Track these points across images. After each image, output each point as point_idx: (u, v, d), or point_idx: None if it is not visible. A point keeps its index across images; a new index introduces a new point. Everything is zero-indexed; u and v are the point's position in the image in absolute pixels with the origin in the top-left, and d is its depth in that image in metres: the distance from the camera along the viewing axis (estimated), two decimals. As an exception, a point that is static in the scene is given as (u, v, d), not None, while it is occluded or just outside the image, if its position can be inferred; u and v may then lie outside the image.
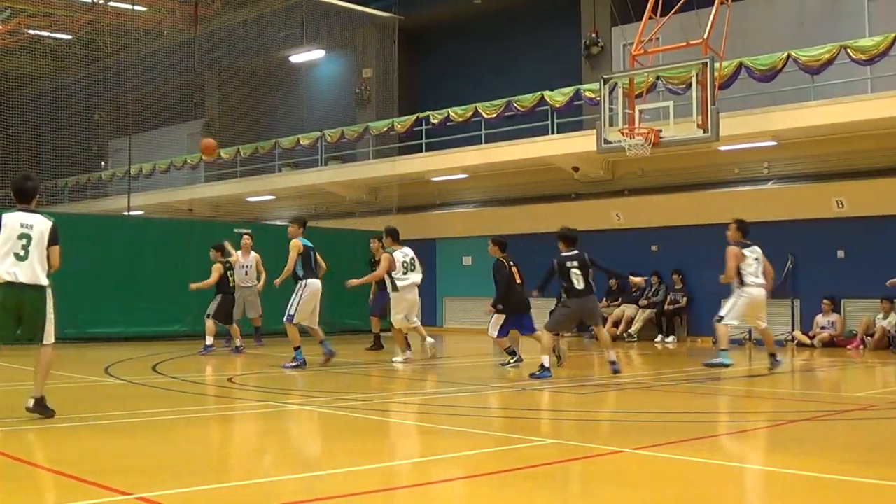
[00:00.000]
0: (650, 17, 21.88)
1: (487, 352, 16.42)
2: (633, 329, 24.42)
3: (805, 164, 23.42)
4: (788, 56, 21.52)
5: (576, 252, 14.67)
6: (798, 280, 22.88)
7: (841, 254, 22.36)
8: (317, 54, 35.30)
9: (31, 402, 9.52)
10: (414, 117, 29.39)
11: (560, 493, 6.88)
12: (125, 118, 32.17)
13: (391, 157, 30.91)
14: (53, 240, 9.55)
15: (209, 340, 18.57)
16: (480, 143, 27.93)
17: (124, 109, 32.40)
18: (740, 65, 22.02)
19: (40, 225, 9.51)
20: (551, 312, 15.07)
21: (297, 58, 34.78)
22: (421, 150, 29.79)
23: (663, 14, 21.98)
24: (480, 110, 27.16)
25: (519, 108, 26.28)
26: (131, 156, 31.21)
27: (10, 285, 9.33)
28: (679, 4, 22.10)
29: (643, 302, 24.67)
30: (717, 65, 20.62)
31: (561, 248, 14.81)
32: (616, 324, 24.66)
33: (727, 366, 15.26)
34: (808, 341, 21.88)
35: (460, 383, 14.57)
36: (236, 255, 19.71)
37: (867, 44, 20.74)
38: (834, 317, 21.92)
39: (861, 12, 23.68)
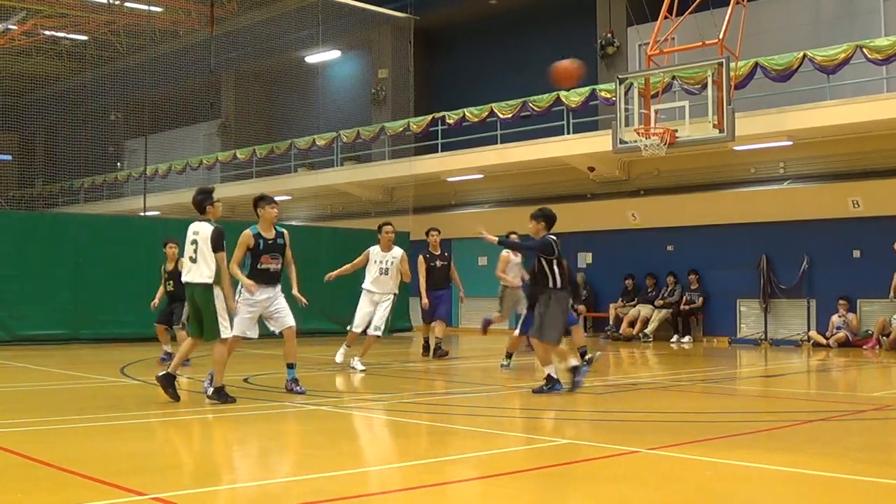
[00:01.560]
0: (665, 17, 21.87)
1: (501, 352, 16.38)
2: (649, 329, 24.39)
3: (821, 163, 23.37)
4: (804, 56, 21.47)
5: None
6: (814, 280, 22.84)
7: (857, 253, 22.31)
8: (332, 55, 35.36)
9: (210, 391, 11.14)
10: (430, 117, 29.41)
11: (576, 493, 6.89)
12: (141, 119, 32.30)
13: (407, 157, 30.92)
14: (216, 245, 10.95)
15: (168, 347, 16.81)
16: (496, 143, 27.92)
17: (140, 110, 32.51)
18: (756, 65, 21.98)
19: (204, 231, 11.03)
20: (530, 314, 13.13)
21: (313, 58, 34.82)
22: (437, 151, 29.79)
23: (679, 14, 21.97)
24: (496, 110, 27.16)
25: (535, 108, 26.27)
26: (147, 156, 31.32)
27: (187, 285, 11.17)
28: (695, 4, 22.07)
29: (659, 302, 24.64)
30: (732, 64, 20.61)
31: (541, 231, 12.60)
32: (632, 324, 24.65)
33: None
34: (823, 341, 21.83)
35: (475, 383, 14.58)
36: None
37: (883, 43, 20.68)
38: (850, 317, 21.86)
39: (877, 11, 23.62)
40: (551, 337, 12.16)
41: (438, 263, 18.52)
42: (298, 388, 12.03)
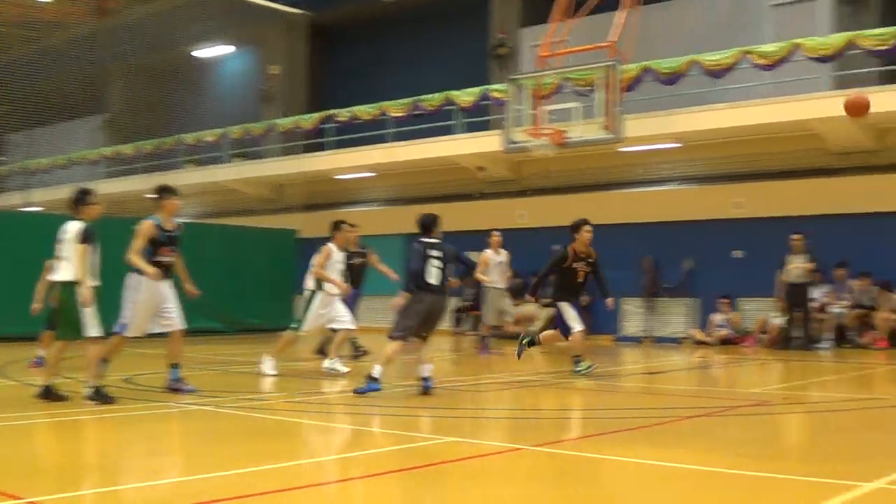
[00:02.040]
0: (558, 19, 22.09)
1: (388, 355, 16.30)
2: (535, 327, 24.55)
3: (706, 165, 23.84)
4: (692, 60, 21.90)
5: (439, 241, 12.28)
6: (697, 279, 23.28)
7: (738, 253, 22.76)
8: (224, 50, 35.01)
9: (88, 392, 10.79)
10: (321, 115, 29.29)
11: (460, 491, 6.91)
12: (25, 112, 31.58)
13: (297, 154, 30.74)
14: (80, 239, 10.72)
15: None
16: (387, 141, 27.93)
17: (24, 103, 31.77)
18: (645, 68, 22.34)
19: (73, 230, 10.80)
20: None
21: (204, 53, 34.45)
22: (327, 148, 29.69)
23: (571, 16, 22.20)
24: (388, 109, 27.17)
25: (426, 107, 26.34)
26: (30, 151, 30.66)
27: (53, 284, 11.24)
28: (587, 7, 22.33)
29: (544, 301, 24.80)
30: (622, 67, 20.89)
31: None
32: (519, 322, 24.81)
33: None
34: (705, 339, 22.24)
35: (360, 383, 14.53)
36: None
37: (769, 49, 21.18)
38: (731, 315, 22.31)
39: (763, 19, 24.16)
40: (393, 333, 11.98)
41: (357, 261, 17.90)
42: (188, 386, 11.90)
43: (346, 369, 14.76)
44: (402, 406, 11.50)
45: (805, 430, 9.91)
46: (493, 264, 18.37)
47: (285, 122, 30.32)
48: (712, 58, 21.76)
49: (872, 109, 19.78)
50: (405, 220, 22.26)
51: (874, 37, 19.98)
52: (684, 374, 16.08)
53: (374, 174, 29.34)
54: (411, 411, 11.08)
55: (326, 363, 14.96)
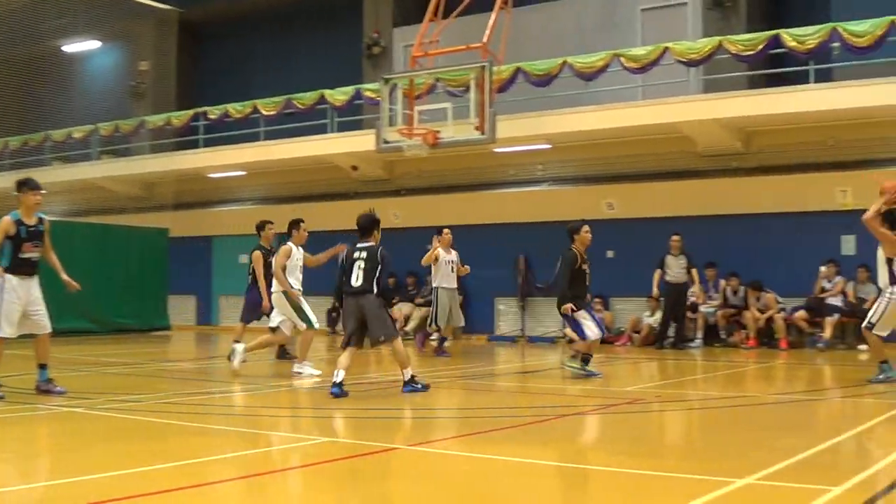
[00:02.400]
0: (431, 20, 22.09)
1: (263, 351, 16.17)
2: (409, 327, 24.54)
3: (578, 167, 24.11)
4: (564, 62, 22.10)
5: (369, 244, 12.39)
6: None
7: (611, 254, 22.99)
8: (92, 45, 34.27)
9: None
10: (192, 112, 28.84)
11: (336, 491, 6.86)
12: None
13: (168, 152, 30.24)
14: None
15: None
16: (260, 140, 27.65)
17: None
18: (518, 69, 22.48)
19: None
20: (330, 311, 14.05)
21: (73, 48, 33.67)
22: (199, 146, 29.25)
23: (444, 17, 22.23)
24: (260, 107, 26.87)
25: (299, 105, 26.13)
26: None
27: None
28: (460, 8, 22.37)
29: (419, 300, 24.85)
30: (495, 68, 20.97)
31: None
32: (396, 321, 24.81)
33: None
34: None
35: (234, 383, 14.36)
36: None
37: (639, 53, 21.49)
38: (603, 314, 22.56)
39: (634, 23, 24.50)
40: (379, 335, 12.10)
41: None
42: (58, 388, 11.61)
43: (317, 371, 14.50)
44: (281, 407, 11.38)
45: (679, 428, 10.05)
46: (443, 263, 18.25)
47: (156, 120, 29.79)
48: (583, 60, 22.00)
49: (742, 113, 20.32)
50: (277, 219, 21.95)
51: (741, 42, 20.40)
52: (559, 373, 16.18)
53: (245, 173, 28.98)
54: (291, 412, 10.97)
55: (297, 367, 14.65)
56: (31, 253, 11.47)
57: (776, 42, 20.00)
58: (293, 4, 31.05)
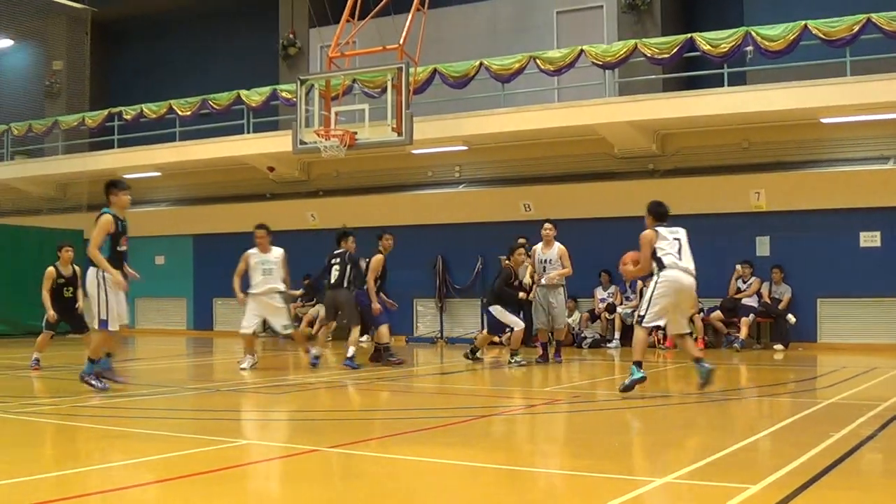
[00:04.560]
0: (348, 21, 22.03)
1: (180, 353, 16.05)
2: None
3: (494, 168, 24.20)
4: (481, 64, 22.20)
5: (342, 251, 16.85)
6: (487, 280, 23.53)
7: (528, 255, 23.10)
8: (4, 43, 33.70)
9: None
10: (106, 112, 28.43)
11: (255, 494, 6.82)
12: None
13: (81, 153, 29.81)
14: None
15: None
16: (175, 140, 27.36)
17: None
18: (434, 71, 22.54)
19: None
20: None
21: (-19, 47, 33.10)
22: (113, 147, 28.85)
23: (361, 18, 22.18)
24: (175, 107, 26.59)
25: (215, 106, 25.93)
26: None
27: None
28: (376, 9, 22.34)
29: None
30: (411, 70, 20.98)
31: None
32: (311, 324, 24.65)
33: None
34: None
35: (153, 385, 14.21)
36: None
37: (555, 55, 21.65)
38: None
39: (550, 25, 24.67)
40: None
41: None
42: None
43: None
44: (201, 410, 11.28)
45: (597, 428, 10.11)
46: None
47: (70, 120, 29.34)
48: (500, 62, 22.12)
49: (657, 115, 20.60)
50: (193, 220, 21.94)
51: (656, 45, 20.64)
52: (477, 374, 16.23)
53: (160, 174, 28.65)
54: (209, 414, 10.88)
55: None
56: (125, 246, 12.63)
57: (690, 45, 20.28)
58: (209, 4, 30.83)
